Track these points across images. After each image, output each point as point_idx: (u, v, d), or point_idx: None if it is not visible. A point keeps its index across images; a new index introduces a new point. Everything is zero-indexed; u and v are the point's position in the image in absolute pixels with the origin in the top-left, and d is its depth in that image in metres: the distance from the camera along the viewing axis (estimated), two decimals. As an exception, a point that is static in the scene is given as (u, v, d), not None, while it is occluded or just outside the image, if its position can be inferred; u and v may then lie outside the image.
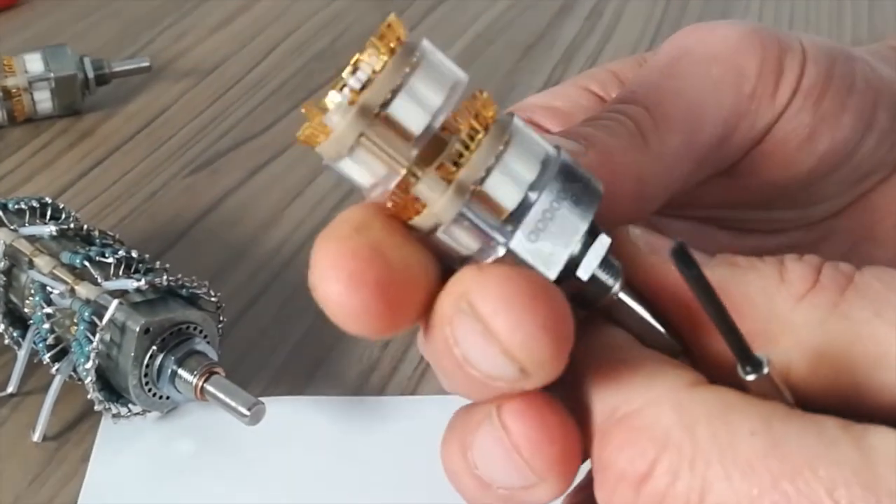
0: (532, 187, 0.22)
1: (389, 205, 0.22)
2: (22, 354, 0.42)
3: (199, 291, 0.41)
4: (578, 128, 0.28)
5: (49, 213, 0.45)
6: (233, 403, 0.37)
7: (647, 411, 0.22)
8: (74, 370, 0.41)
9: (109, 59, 0.64)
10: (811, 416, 0.22)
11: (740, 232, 0.34)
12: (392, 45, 0.22)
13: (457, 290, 0.22)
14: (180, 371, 0.39)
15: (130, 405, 0.40)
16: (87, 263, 0.41)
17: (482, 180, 0.22)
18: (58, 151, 0.60)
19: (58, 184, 0.57)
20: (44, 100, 0.61)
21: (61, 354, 0.41)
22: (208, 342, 0.40)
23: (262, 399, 0.41)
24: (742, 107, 0.30)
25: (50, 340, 0.40)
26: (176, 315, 0.39)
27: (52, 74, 0.60)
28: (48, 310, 0.40)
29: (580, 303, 0.24)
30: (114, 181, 0.57)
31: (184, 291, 0.41)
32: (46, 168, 0.58)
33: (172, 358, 0.39)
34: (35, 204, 0.44)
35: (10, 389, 0.43)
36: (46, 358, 0.41)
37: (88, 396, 0.39)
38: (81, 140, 0.61)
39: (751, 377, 0.22)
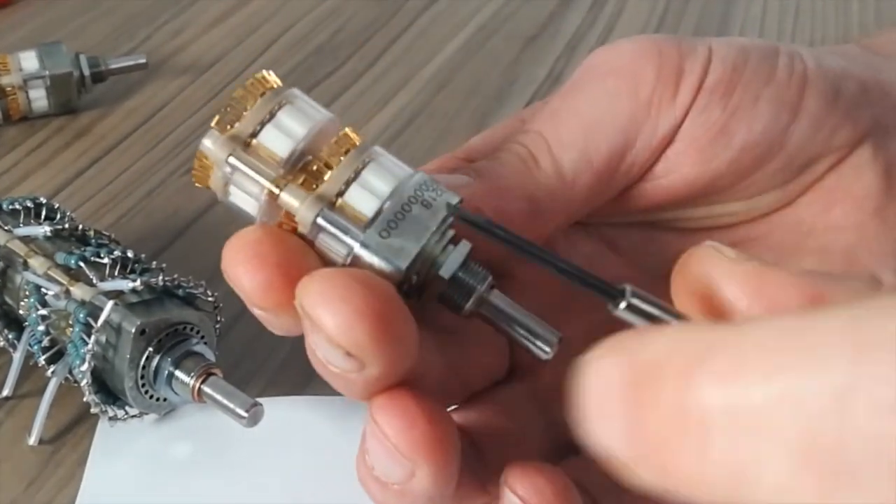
0: (388, 198, 0.26)
1: (281, 219, 0.26)
2: (17, 357, 0.42)
3: (195, 291, 0.40)
4: (476, 165, 0.30)
5: (44, 213, 0.44)
6: (230, 405, 0.37)
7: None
8: (70, 372, 0.40)
9: (106, 56, 0.63)
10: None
11: (687, 231, 0.34)
12: (261, 91, 0.27)
13: (297, 296, 0.25)
14: (177, 372, 0.38)
15: (127, 407, 0.40)
16: (81, 264, 0.40)
17: (342, 192, 0.26)
18: (53, 150, 0.59)
19: (54, 183, 0.56)
20: (39, 98, 0.60)
21: (57, 356, 0.40)
22: (206, 343, 0.40)
23: (261, 399, 0.40)
24: (640, 113, 0.31)
25: (45, 342, 0.40)
26: (172, 315, 0.39)
27: (47, 72, 0.60)
28: (43, 311, 0.39)
29: (453, 307, 0.27)
30: (110, 180, 0.56)
31: (180, 291, 0.40)
32: (42, 167, 0.58)
33: (169, 359, 0.38)
34: (29, 204, 0.44)
35: (5, 392, 0.42)
36: (42, 360, 0.40)
37: (85, 399, 0.39)
38: (77, 138, 0.60)
39: (622, 305, 0.24)
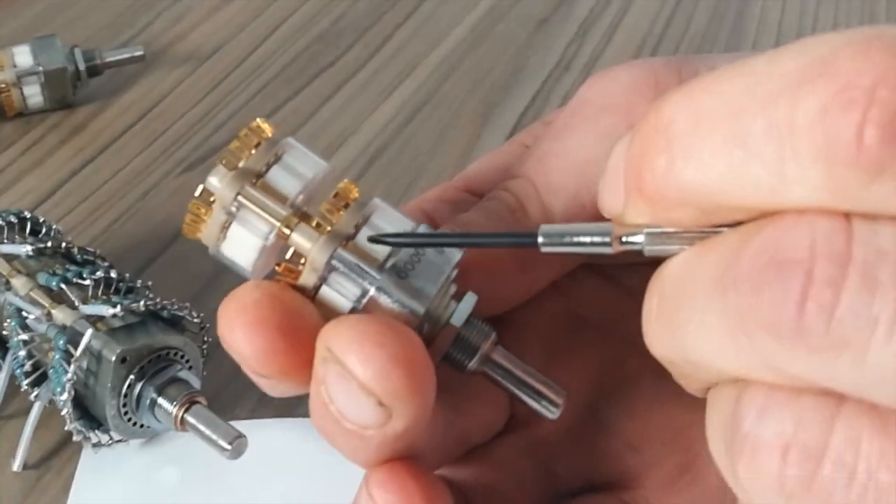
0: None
1: (279, 269, 0.25)
2: (1, 377, 0.41)
3: (180, 313, 0.39)
4: (459, 216, 0.29)
5: (28, 227, 0.43)
6: (213, 436, 0.36)
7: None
8: (55, 395, 0.39)
9: (102, 47, 0.61)
10: None
11: None
12: (258, 140, 0.25)
13: (319, 342, 0.23)
14: (160, 400, 0.37)
15: (112, 433, 0.39)
16: (63, 286, 0.39)
17: (353, 236, 0.25)
18: (48, 149, 0.58)
19: (48, 184, 0.55)
20: (34, 94, 0.59)
21: (41, 379, 0.39)
22: (190, 367, 0.38)
23: (249, 422, 0.39)
24: None
25: (27, 367, 0.39)
26: (155, 341, 0.37)
27: (41, 68, 0.58)
28: (24, 336, 0.38)
29: (456, 366, 0.26)
30: (105, 180, 0.55)
31: (165, 313, 0.39)
32: (37, 167, 0.56)
33: (152, 386, 0.37)
34: (13, 219, 0.43)
35: (-10, 415, 0.41)
36: (25, 384, 0.39)
37: (66, 428, 0.38)
38: (73, 136, 0.59)
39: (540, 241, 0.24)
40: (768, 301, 0.18)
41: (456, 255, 0.25)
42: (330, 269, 0.24)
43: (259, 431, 0.39)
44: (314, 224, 0.25)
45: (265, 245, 0.25)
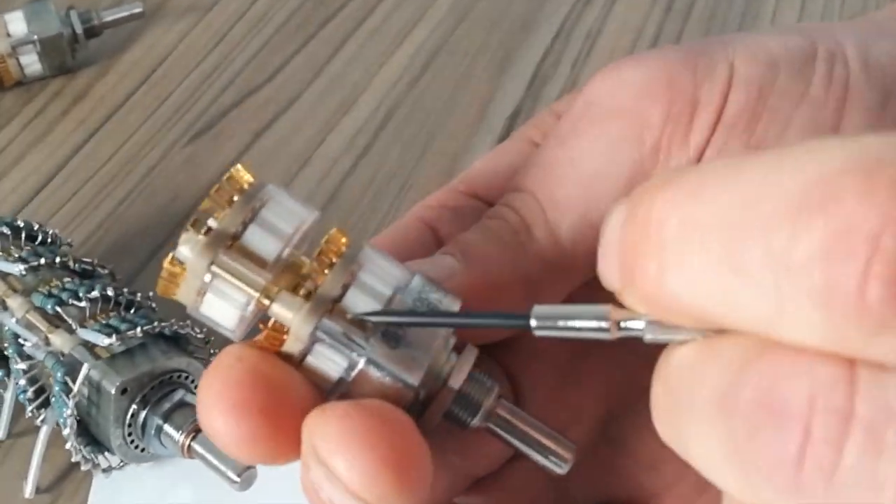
0: (389, 302, 0.23)
1: (262, 337, 0.23)
2: (8, 398, 0.40)
3: (182, 332, 0.37)
4: (462, 235, 0.27)
5: (23, 235, 0.41)
6: (221, 467, 0.35)
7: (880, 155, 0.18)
8: (59, 424, 0.38)
9: (98, 6, 0.59)
10: None
11: None
12: (234, 194, 0.22)
13: (304, 435, 0.22)
14: (166, 427, 0.36)
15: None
16: (59, 309, 0.37)
17: (340, 297, 0.22)
18: (50, 120, 0.56)
19: (51, 163, 0.53)
20: (31, 63, 0.57)
21: (47, 401, 0.38)
22: (196, 387, 0.37)
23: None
24: (647, 162, 0.27)
25: (30, 394, 0.38)
26: (156, 366, 0.36)
27: (35, 37, 0.56)
28: (23, 365, 0.37)
29: (458, 423, 0.24)
30: (109, 156, 0.53)
31: (167, 331, 0.37)
32: (39, 143, 0.54)
33: (157, 413, 0.36)
34: (6, 230, 0.41)
35: (-1, 435, 0.40)
36: (30, 409, 0.38)
37: (72, 460, 0.37)
38: (75, 104, 0.57)
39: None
40: (765, 449, 0.17)
41: (453, 311, 0.23)
42: (315, 339, 0.23)
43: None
44: (297, 289, 0.22)
45: (244, 315, 0.23)
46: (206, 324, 0.24)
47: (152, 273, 0.46)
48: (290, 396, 0.22)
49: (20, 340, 0.38)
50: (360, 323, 0.22)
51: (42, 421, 0.38)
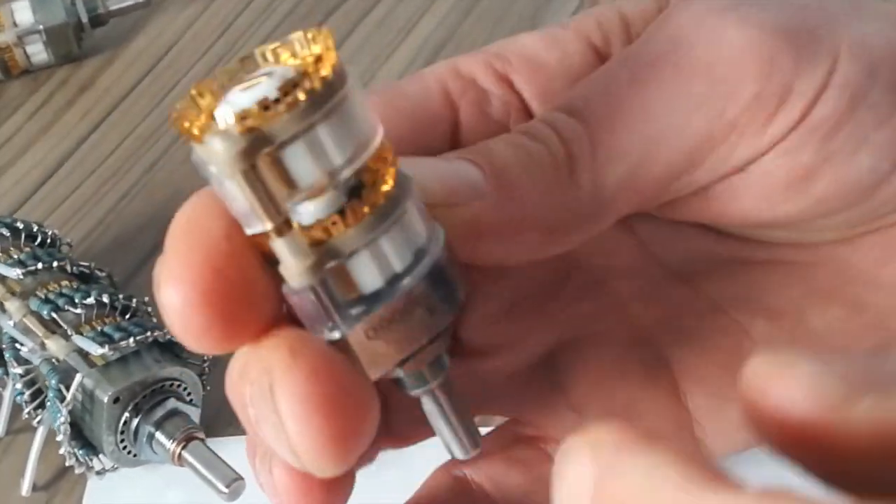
0: (394, 279, 0.21)
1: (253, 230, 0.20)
2: (6, 396, 0.40)
3: (176, 339, 0.38)
4: (494, 144, 0.24)
5: (23, 236, 0.42)
6: (210, 477, 0.35)
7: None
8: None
9: (105, -6, 0.59)
10: None
11: (721, 235, 0.28)
12: (301, 86, 0.19)
13: (263, 366, 0.20)
14: (157, 435, 0.37)
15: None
16: (55, 315, 0.38)
17: (348, 256, 0.20)
18: (56, 111, 0.56)
19: (55, 155, 0.53)
20: (38, 52, 0.57)
21: (44, 402, 0.39)
22: (189, 394, 0.38)
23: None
24: (717, 136, 0.24)
25: (27, 396, 0.38)
26: (149, 375, 0.37)
27: (41, 26, 0.56)
28: (19, 370, 0.38)
29: (398, 386, 0.23)
30: (113, 148, 0.53)
31: (160, 338, 0.38)
32: (44, 134, 0.55)
33: (149, 421, 0.37)
34: (5, 231, 0.41)
35: (-3, 433, 0.41)
36: (27, 410, 0.39)
37: (67, 463, 0.38)
38: (80, 94, 0.57)
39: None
40: None
41: (443, 321, 0.22)
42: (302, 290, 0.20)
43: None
44: (308, 227, 0.20)
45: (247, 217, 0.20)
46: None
47: (151, 271, 0.46)
48: (257, 300, 0.20)
49: (17, 345, 0.38)
50: (353, 290, 0.20)
51: (39, 422, 0.39)
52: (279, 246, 0.20)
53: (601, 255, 0.28)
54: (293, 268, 0.20)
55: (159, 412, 0.37)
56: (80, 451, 0.38)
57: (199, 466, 0.35)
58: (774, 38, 0.24)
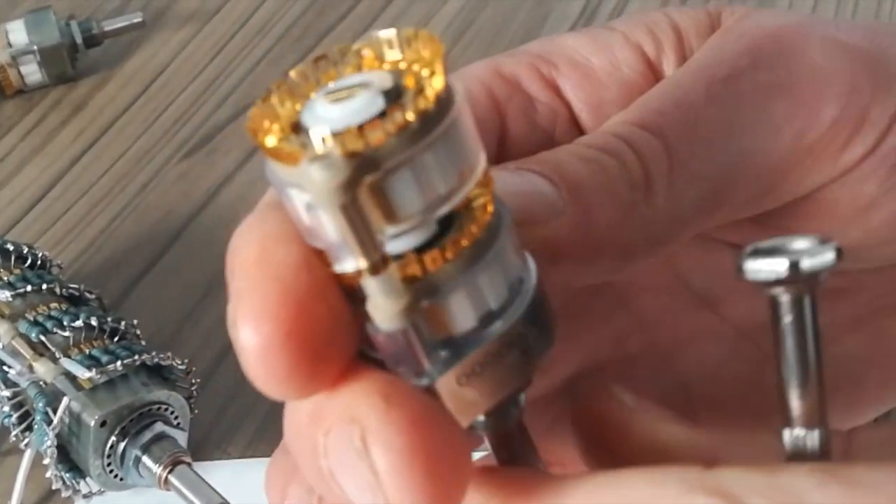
0: (489, 318, 0.18)
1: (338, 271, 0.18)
2: (-6, 418, 0.41)
3: (164, 363, 0.38)
4: (565, 158, 0.22)
5: (13, 257, 0.42)
6: (196, 501, 0.35)
7: None
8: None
9: (99, 14, 0.59)
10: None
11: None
12: (411, 102, 0.16)
13: (348, 414, 0.18)
14: (144, 459, 0.37)
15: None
16: (42, 338, 0.38)
17: (446, 294, 0.18)
18: (50, 131, 0.56)
19: (48, 175, 0.54)
20: (32, 72, 0.57)
21: (32, 424, 0.39)
22: (176, 417, 0.38)
23: (243, 461, 0.39)
24: (795, 160, 0.23)
25: (14, 419, 0.38)
26: (136, 399, 0.37)
27: (35, 47, 0.56)
28: (6, 393, 0.38)
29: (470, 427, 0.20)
30: (105, 169, 0.54)
31: (148, 362, 0.38)
32: (37, 154, 0.55)
33: (136, 445, 0.37)
34: (-5, 253, 0.42)
35: (-15, 454, 0.41)
36: (14, 433, 0.39)
37: (53, 487, 0.38)
38: (75, 114, 0.57)
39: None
40: None
41: (541, 359, 0.19)
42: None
43: (253, 471, 0.38)
44: (401, 263, 0.17)
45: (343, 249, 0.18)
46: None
47: (142, 292, 0.47)
48: (342, 340, 0.18)
49: (4, 367, 0.38)
50: (445, 329, 0.18)
51: (26, 445, 0.39)
52: (372, 284, 0.17)
53: (629, 273, 0.27)
54: (386, 309, 0.17)
55: (146, 436, 0.37)
56: (67, 475, 0.38)
57: (185, 491, 0.36)
58: (855, 62, 0.23)
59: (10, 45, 0.56)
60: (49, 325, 0.38)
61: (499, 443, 0.21)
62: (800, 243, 0.19)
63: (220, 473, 0.38)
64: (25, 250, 0.42)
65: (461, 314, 0.18)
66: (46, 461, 0.37)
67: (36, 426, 0.37)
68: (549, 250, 0.21)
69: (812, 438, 0.19)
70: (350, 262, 0.17)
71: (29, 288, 0.40)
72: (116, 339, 0.39)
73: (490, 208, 0.18)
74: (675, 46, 0.25)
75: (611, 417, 0.22)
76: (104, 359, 0.37)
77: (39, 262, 0.42)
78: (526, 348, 0.19)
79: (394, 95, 0.17)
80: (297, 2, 0.63)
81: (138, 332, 0.40)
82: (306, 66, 0.18)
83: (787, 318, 0.19)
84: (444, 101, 0.16)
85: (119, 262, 0.49)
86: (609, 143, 0.22)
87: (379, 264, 0.17)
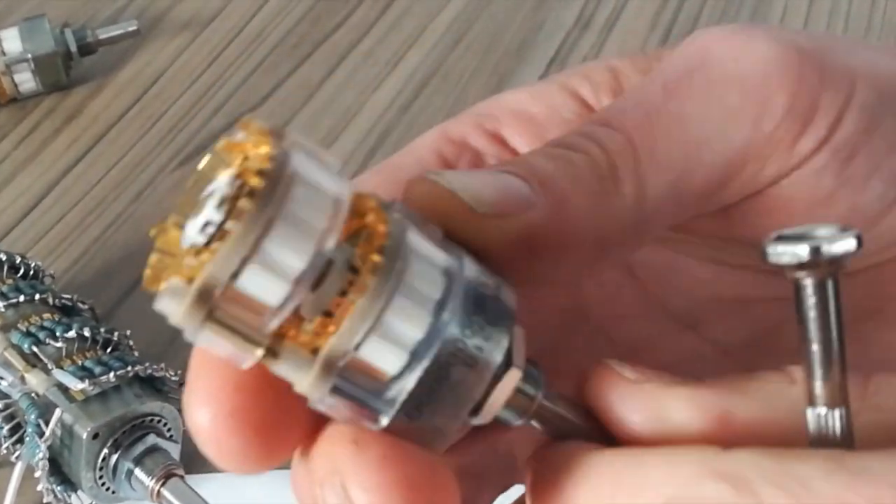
0: (417, 350, 0.18)
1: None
2: (-15, 433, 0.40)
3: (157, 374, 0.38)
4: (532, 158, 0.23)
5: (6, 268, 0.42)
6: (189, 515, 0.35)
7: (684, 494, 0.19)
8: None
9: (93, 22, 0.59)
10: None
11: (724, 273, 0.28)
12: (234, 198, 0.17)
13: (330, 465, 0.19)
14: (137, 471, 0.36)
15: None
16: (35, 349, 0.38)
17: (357, 346, 0.18)
18: (44, 139, 0.56)
19: (41, 183, 0.53)
20: (26, 80, 0.57)
21: (23, 437, 0.39)
22: (169, 429, 0.38)
23: (235, 475, 0.38)
24: (754, 149, 0.24)
25: (5, 431, 0.38)
26: (129, 411, 0.37)
27: (30, 55, 0.56)
28: (-2, 404, 0.38)
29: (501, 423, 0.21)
30: (99, 178, 0.53)
31: (141, 373, 0.38)
32: (31, 162, 0.55)
33: (128, 458, 0.36)
34: (-12, 264, 0.41)
35: (-23, 466, 0.41)
36: (5, 445, 0.39)
37: (44, 501, 0.37)
38: (68, 122, 0.57)
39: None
40: None
41: (489, 368, 0.19)
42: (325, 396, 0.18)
43: (245, 484, 0.38)
44: (301, 333, 0.18)
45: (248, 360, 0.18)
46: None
47: (135, 302, 0.47)
48: (293, 411, 0.19)
49: (-4, 379, 0.38)
50: (380, 376, 0.18)
51: (17, 457, 0.38)
52: (278, 370, 0.18)
53: (605, 303, 0.27)
54: (303, 384, 0.18)
55: (139, 448, 0.36)
56: (59, 487, 0.37)
57: (177, 504, 0.35)
58: (801, 55, 0.24)
59: (4, 52, 0.56)
60: (41, 335, 0.38)
61: (540, 422, 0.21)
62: (823, 231, 0.20)
63: (213, 486, 0.38)
64: (18, 260, 0.42)
65: (382, 357, 0.18)
66: (38, 474, 0.36)
67: (27, 438, 0.37)
68: (527, 241, 0.21)
69: (835, 417, 0.20)
70: (248, 360, 0.18)
71: (21, 298, 0.39)
72: (109, 350, 0.39)
73: (378, 244, 0.18)
74: (611, 87, 0.26)
75: (611, 396, 0.22)
76: (97, 370, 0.37)
77: (32, 272, 0.42)
78: (470, 361, 0.19)
79: (232, 199, 0.17)
80: (293, 11, 0.63)
81: (131, 343, 0.40)
82: (191, 180, 0.18)
83: (811, 301, 0.20)
84: (269, 188, 0.17)
85: (112, 272, 0.49)
86: (575, 141, 0.23)
87: (274, 350, 0.17)
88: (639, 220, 0.23)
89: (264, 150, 0.17)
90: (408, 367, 0.18)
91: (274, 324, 0.17)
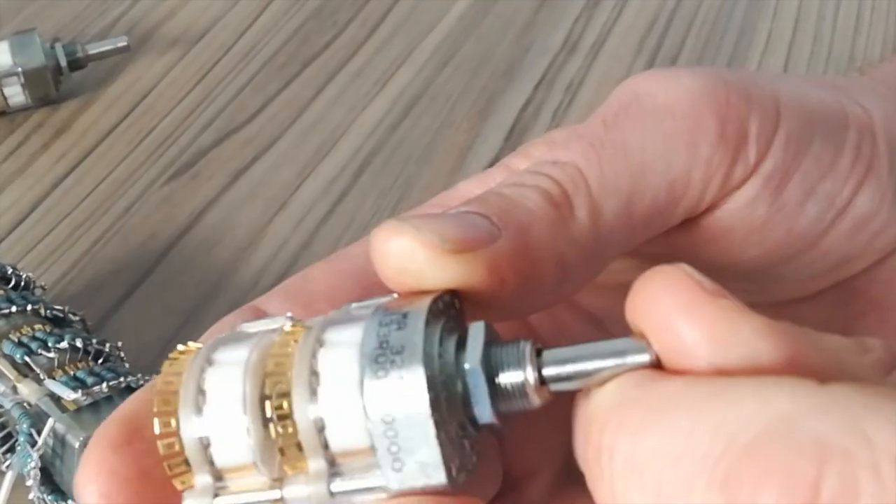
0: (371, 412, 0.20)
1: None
2: (-25, 442, 0.40)
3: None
4: (487, 196, 0.24)
5: (-3, 278, 0.42)
6: (181, 525, 0.35)
7: (778, 429, 0.17)
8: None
9: (83, 37, 0.59)
10: None
11: None
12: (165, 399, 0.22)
13: None
14: (128, 481, 0.36)
15: (83, 507, 0.38)
16: (27, 359, 0.38)
17: (326, 445, 0.20)
18: (32, 153, 0.56)
19: (29, 197, 0.53)
20: (15, 94, 0.57)
21: (14, 446, 0.39)
22: (161, 441, 0.38)
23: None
24: (695, 172, 0.26)
25: (-4, 440, 0.38)
26: (121, 421, 0.36)
27: (19, 69, 0.56)
28: (-11, 413, 0.38)
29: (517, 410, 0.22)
30: (88, 192, 0.54)
31: (133, 384, 0.38)
32: (20, 175, 0.55)
33: (120, 468, 0.36)
34: (-20, 274, 0.41)
35: (-35, 476, 0.41)
36: (-5, 455, 0.39)
37: (34, 510, 0.37)
38: (57, 137, 0.57)
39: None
40: None
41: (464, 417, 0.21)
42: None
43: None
44: (287, 460, 0.21)
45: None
46: None
47: (125, 315, 0.47)
48: None
49: (-13, 388, 0.38)
50: (362, 453, 0.21)
51: (8, 467, 0.38)
52: (292, 495, 0.21)
53: (560, 339, 0.28)
54: (315, 496, 0.21)
55: (131, 458, 0.36)
56: (50, 497, 0.37)
57: (169, 514, 0.35)
58: (726, 84, 0.26)
59: (-7, 66, 0.56)
60: (34, 346, 0.38)
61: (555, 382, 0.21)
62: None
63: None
64: (10, 271, 0.42)
65: (348, 434, 0.20)
66: (29, 483, 0.36)
67: (19, 447, 0.37)
68: (496, 271, 0.22)
69: None
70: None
71: (13, 308, 0.39)
72: (101, 361, 0.39)
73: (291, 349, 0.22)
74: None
75: (678, 306, 0.20)
76: (89, 380, 0.37)
77: (23, 283, 0.42)
78: (439, 419, 0.20)
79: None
80: (282, 30, 0.64)
81: (123, 354, 0.40)
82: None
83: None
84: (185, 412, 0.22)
85: (101, 285, 0.49)
86: (525, 178, 0.25)
87: (275, 482, 0.21)
88: (597, 242, 0.25)
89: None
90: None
91: (265, 468, 0.21)
